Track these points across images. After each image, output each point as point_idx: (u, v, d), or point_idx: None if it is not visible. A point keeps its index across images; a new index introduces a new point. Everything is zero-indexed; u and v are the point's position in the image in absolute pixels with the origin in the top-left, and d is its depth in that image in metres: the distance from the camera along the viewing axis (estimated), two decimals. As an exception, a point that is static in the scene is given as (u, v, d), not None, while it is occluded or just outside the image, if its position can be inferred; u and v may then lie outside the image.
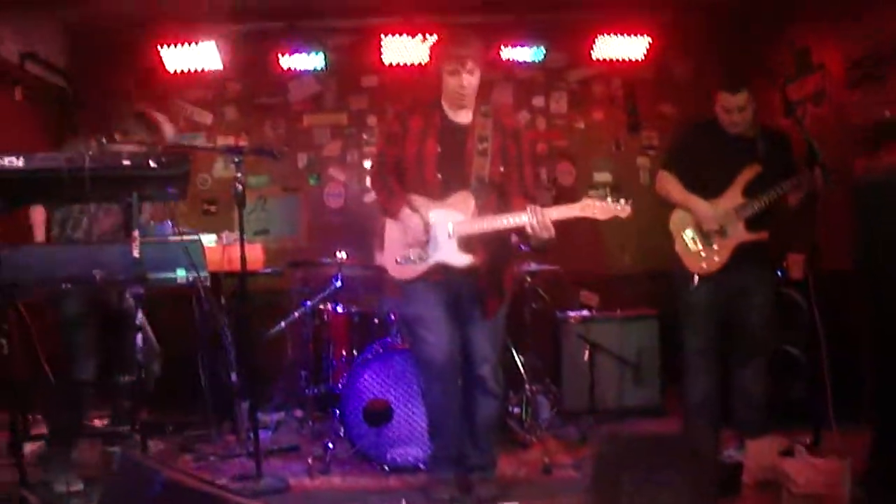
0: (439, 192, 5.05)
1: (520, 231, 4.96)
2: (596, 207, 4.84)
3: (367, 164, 8.85)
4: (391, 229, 5.21)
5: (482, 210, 4.98)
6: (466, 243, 4.96)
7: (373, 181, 5.45)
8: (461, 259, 4.96)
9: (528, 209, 4.82)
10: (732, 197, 5.65)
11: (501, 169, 5.13)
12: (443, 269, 5.02)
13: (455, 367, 5.16)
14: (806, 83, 7.55)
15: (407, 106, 5.42)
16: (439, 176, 5.07)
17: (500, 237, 5.12)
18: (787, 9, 7.84)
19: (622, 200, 4.85)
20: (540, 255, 5.76)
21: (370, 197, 8.74)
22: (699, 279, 5.69)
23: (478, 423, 5.22)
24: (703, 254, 5.69)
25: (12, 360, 4.50)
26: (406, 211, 5.04)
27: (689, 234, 5.75)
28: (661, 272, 6.66)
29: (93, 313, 5.64)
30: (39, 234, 5.68)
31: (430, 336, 5.07)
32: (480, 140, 5.09)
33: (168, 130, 5.92)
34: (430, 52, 5.99)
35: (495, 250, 5.10)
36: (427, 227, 4.97)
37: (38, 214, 5.70)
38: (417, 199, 5.06)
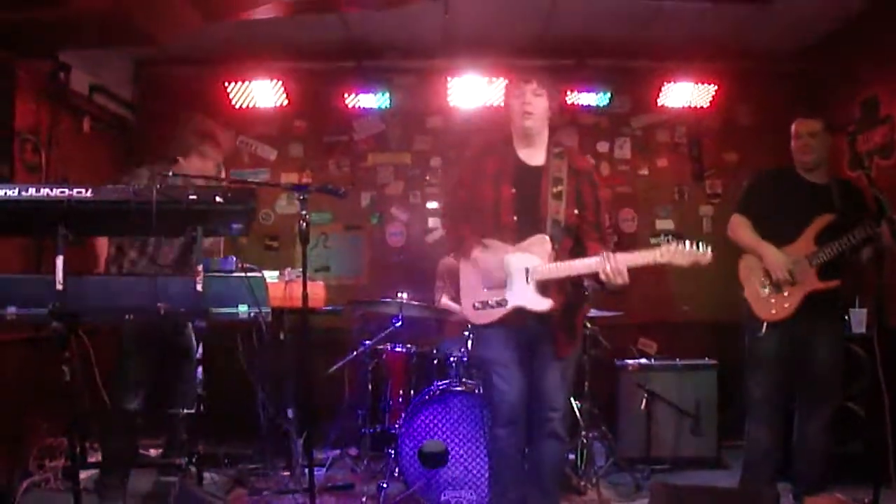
0: (515, 236, 4.95)
1: (593, 275, 4.82)
2: (676, 253, 4.68)
3: (430, 205, 8.92)
4: (466, 273, 5.13)
5: (559, 253, 4.88)
6: (544, 287, 4.86)
7: (444, 224, 5.44)
8: (540, 304, 4.84)
9: (602, 255, 4.72)
10: (805, 244, 5.57)
11: (576, 212, 5.04)
12: (520, 314, 4.93)
13: (523, 414, 5.11)
14: (874, 134, 7.47)
15: (480, 148, 5.39)
16: (515, 219, 4.98)
17: (575, 281, 5.05)
18: (855, 58, 7.79)
19: (702, 245, 4.69)
20: (611, 294, 5.67)
21: (432, 237, 8.80)
22: (768, 326, 5.59)
23: (545, 468, 5.11)
24: (773, 300, 5.58)
25: (72, 387, 4.52)
26: (477, 251, 4.99)
27: (759, 280, 5.66)
28: (722, 322, 6.57)
29: (148, 344, 5.69)
30: (102, 261, 5.75)
31: (503, 383, 4.98)
32: (555, 183, 5.01)
33: (224, 142, 6.03)
34: (502, 94, 5.98)
35: (570, 293, 5.01)
36: (503, 266, 4.91)
37: (101, 245, 5.77)
38: (493, 243, 4.97)
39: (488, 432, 5.28)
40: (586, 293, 5.28)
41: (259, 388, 6.78)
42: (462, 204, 5.23)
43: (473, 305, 5.05)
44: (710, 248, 4.69)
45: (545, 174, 5.05)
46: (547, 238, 4.89)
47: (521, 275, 4.88)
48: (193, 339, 5.86)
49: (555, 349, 4.99)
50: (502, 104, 5.49)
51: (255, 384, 6.74)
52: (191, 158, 5.86)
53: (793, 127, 5.82)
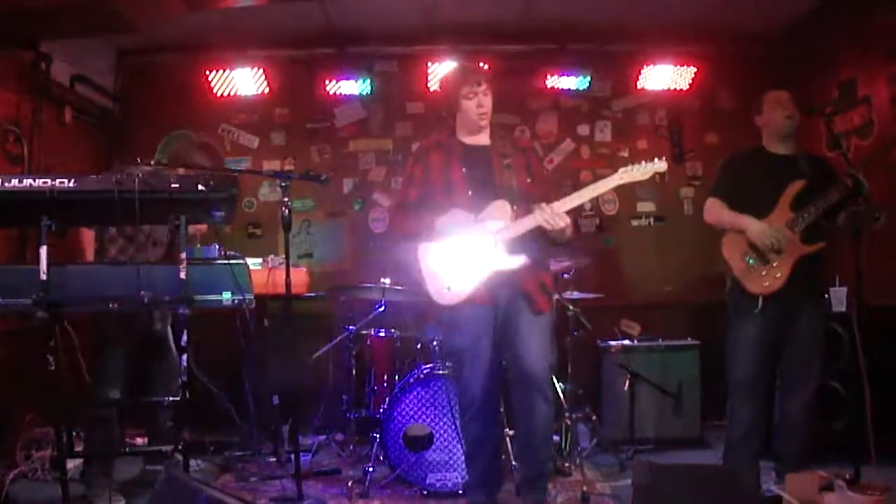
0: (473, 211, 5.04)
1: (542, 232, 4.97)
2: (636, 172, 4.92)
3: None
4: (428, 259, 5.19)
5: (518, 215, 4.98)
6: (512, 246, 4.94)
7: (396, 223, 5.44)
8: (513, 261, 4.92)
9: (536, 208, 4.89)
10: (782, 213, 5.54)
11: (529, 181, 5.17)
12: (491, 286, 5.00)
13: (495, 400, 5.18)
14: (852, 115, 7.52)
15: (422, 146, 5.46)
16: (470, 193, 5.08)
17: (537, 242, 5.11)
18: (832, 40, 7.83)
19: (656, 159, 4.93)
20: (562, 247, 5.75)
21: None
22: (763, 300, 5.56)
23: (535, 432, 5.12)
24: (763, 273, 5.53)
25: (58, 376, 4.54)
26: (444, 216, 5.07)
27: (745, 255, 5.66)
28: (704, 302, 6.58)
29: (128, 333, 5.70)
30: (90, 254, 5.75)
31: (473, 372, 5.09)
32: (503, 157, 5.15)
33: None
34: (441, 84, 5.90)
35: (535, 253, 5.07)
36: (467, 246, 4.98)
37: (87, 235, 5.77)
38: (456, 212, 5.05)
39: (460, 421, 5.34)
40: (547, 257, 5.39)
41: (244, 375, 6.80)
42: (413, 201, 5.29)
43: (443, 288, 5.10)
44: (663, 160, 4.96)
45: (493, 151, 5.20)
46: (506, 202, 5.00)
47: (488, 242, 4.97)
48: (169, 327, 5.89)
49: (532, 307, 5.04)
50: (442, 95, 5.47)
51: (240, 371, 6.77)
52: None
53: (770, 97, 5.80)
